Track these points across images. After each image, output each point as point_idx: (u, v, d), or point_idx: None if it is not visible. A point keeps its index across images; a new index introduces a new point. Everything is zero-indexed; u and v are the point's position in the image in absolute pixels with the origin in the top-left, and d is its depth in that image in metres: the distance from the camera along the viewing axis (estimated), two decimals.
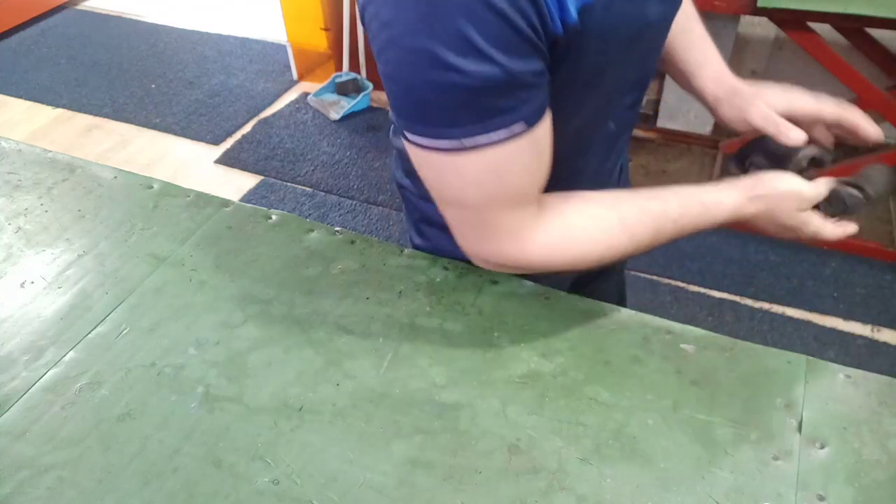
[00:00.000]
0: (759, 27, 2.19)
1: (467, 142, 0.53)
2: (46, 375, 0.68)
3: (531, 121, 0.55)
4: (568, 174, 0.69)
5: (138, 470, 0.60)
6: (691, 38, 0.79)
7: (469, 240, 0.64)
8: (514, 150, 0.55)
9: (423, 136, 0.55)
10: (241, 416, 0.64)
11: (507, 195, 0.58)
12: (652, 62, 0.72)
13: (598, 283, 0.98)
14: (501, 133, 0.53)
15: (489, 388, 0.66)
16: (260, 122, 2.68)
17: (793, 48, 2.16)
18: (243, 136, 2.60)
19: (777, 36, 2.18)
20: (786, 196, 0.67)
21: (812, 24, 1.69)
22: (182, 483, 0.59)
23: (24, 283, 0.79)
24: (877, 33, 1.96)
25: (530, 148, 0.56)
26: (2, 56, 3.16)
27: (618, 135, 0.77)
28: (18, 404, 0.66)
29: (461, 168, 0.56)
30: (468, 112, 0.52)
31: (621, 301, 1.09)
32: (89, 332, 0.73)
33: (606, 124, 0.72)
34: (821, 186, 0.68)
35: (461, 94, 0.51)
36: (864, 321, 1.81)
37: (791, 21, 1.69)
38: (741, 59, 2.25)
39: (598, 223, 0.64)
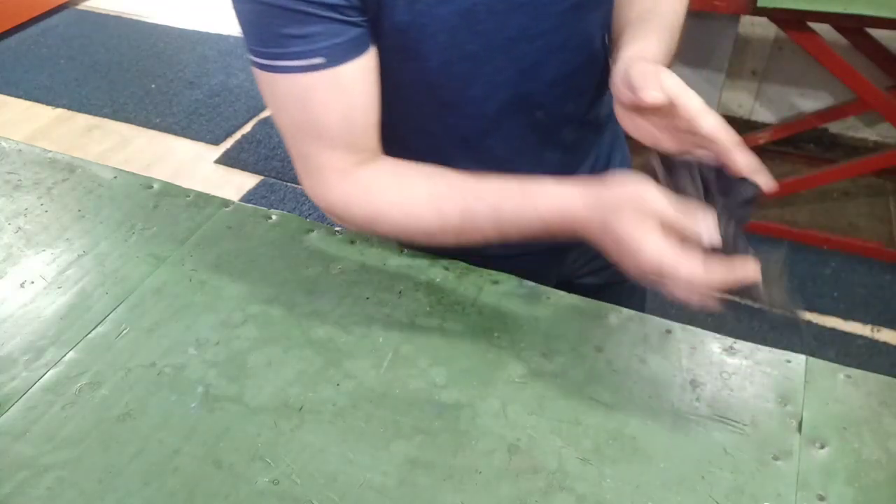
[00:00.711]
0: (759, 27, 2.19)
1: (271, 63, 0.58)
2: (46, 375, 0.68)
3: (332, 58, 0.57)
4: (474, 153, 0.71)
5: (138, 470, 0.60)
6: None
7: (297, 171, 0.67)
8: (313, 84, 0.58)
9: (249, 52, 0.59)
10: (241, 416, 0.64)
11: (314, 130, 0.61)
12: (564, 49, 0.65)
13: (615, 290, 0.95)
14: (298, 62, 0.57)
15: (489, 388, 0.66)
16: (260, 122, 2.67)
17: (793, 48, 2.15)
18: (243, 136, 2.60)
19: (777, 36, 2.18)
20: (624, 200, 0.52)
21: (812, 24, 1.69)
22: (182, 483, 0.59)
23: (24, 283, 0.79)
24: (877, 33, 1.96)
25: (332, 86, 0.59)
26: (2, 56, 3.16)
27: (552, 127, 0.72)
28: (18, 404, 0.66)
29: (272, 88, 0.60)
30: (268, 34, 0.57)
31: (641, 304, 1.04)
32: (89, 332, 0.73)
33: (528, 110, 0.69)
34: (690, 209, 0.50)
35: (253, 13, 0.56)
36: (864, 321, 1.81)
37: (791, 21, 1.69)
38: (741, 59, 2.25)
39: (404, 186, 0.64)
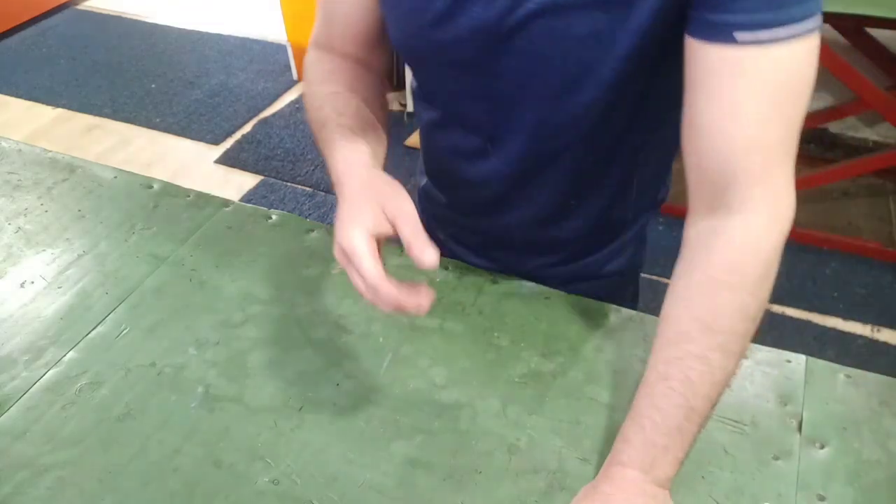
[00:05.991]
0: None
1: None
2: (46, 375, 0.68)
3: None
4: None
5: (138, 470, 0.60)
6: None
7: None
8: None
9: None
10: (241, 416, 0.64)
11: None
12: (500, 100, 0.63)
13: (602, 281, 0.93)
14: None
15: (489, 388, 0.66)
16: (260, 122, 2.67)
17: None
18: (243, 136, 2.60)
19: None
20: (381, 193, 0.55)
21: None
22: (182, 483, 0.59)
23: (24, 283, 0.79)
24: (877, 33, 1.96)
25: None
26: (2, 56, 3.16)
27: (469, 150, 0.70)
28: (18, 404, 0.66)
29: None
30: None
31: (634, 299, 1.02)
32: (89, 332, 0.73)
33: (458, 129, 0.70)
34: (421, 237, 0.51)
35: None
36: (864, 321, 1.80)
37: None
38: None
39: (323, 83, 0.69)
